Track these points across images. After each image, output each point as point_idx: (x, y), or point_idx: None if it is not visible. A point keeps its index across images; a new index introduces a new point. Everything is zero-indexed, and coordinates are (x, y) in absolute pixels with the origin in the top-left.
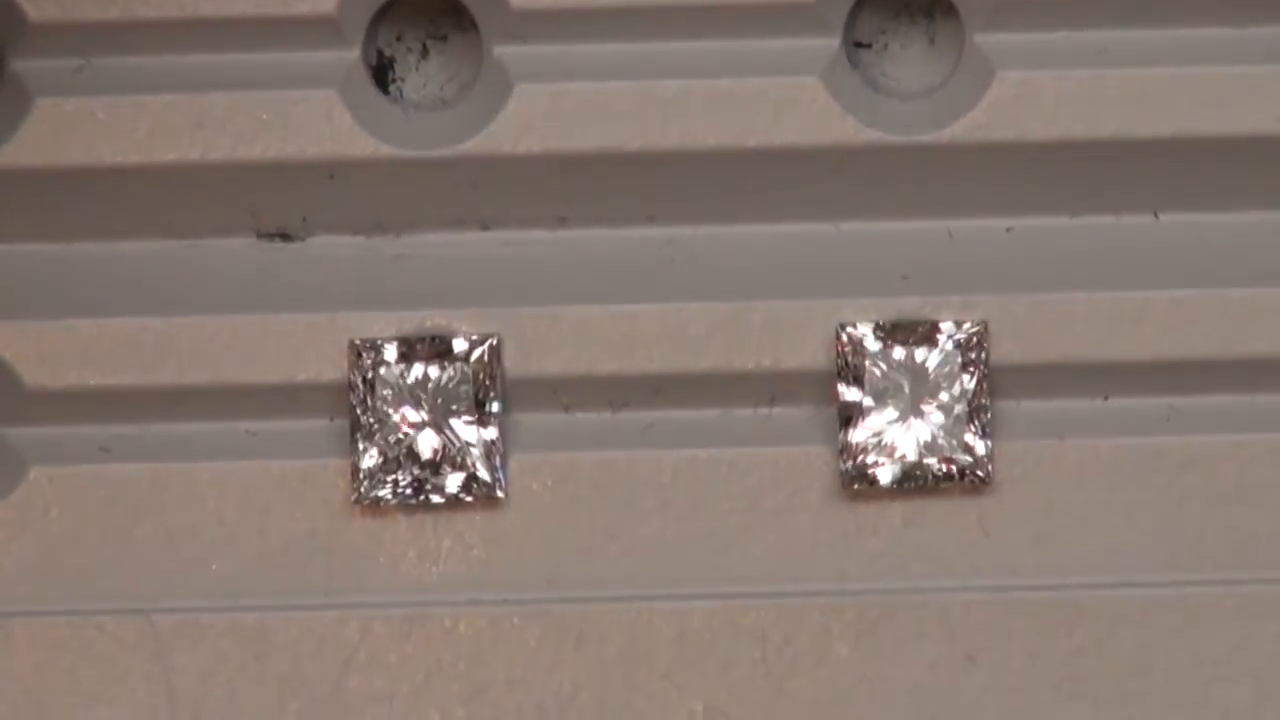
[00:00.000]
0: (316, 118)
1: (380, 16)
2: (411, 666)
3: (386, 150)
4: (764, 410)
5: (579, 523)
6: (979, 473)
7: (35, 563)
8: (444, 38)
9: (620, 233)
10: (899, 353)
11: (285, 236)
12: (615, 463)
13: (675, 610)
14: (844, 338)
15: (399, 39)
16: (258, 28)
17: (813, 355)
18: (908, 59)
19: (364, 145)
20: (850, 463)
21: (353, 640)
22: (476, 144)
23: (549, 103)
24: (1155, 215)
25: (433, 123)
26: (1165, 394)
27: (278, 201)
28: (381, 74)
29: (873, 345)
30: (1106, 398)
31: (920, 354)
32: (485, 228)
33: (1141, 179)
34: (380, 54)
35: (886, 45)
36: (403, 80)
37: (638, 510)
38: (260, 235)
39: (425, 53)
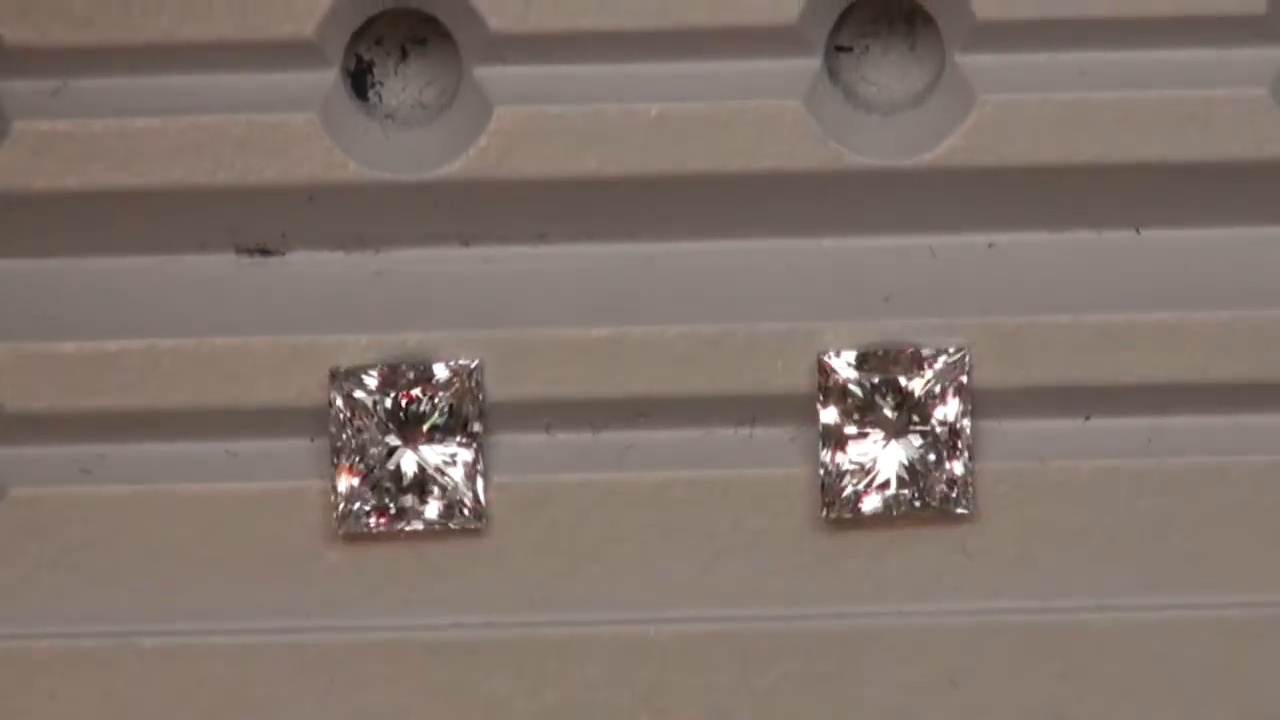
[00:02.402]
0: (296, 140)
1: (358, 42)
2: (393, 690)
3: (366, 174)
4: (745, 432)
5: (560, 545)
6: (960, 495)
7: (15, 585)
8: (423, 41)
9: (602, 253)
10: (880, 376)
11: (264, 252)
12: (596, 484)
13: (656, 632)
14: (825, 361)
15: (378, 43)
16: (236, 50)
17: (795, 377)
18: (888, 64)
19: (344, 169)
20: (832, 485)
21: (334, 663)
22: (457, 168)
23: (529, 126)
24: (1137, 231)
25: (412, 145)
26: (1147, 416)
27: (257, 224)
28: (360, 80)
29: (854, 369)
30: (1088, 419)
31: (902, 379)
32: (466, 244)
33: (1124, 202)
34: (359, 59)
35: (868, 48)
36: (381, 85)
37: (619, 532)
38: (239, 251)
39: (404, 56)
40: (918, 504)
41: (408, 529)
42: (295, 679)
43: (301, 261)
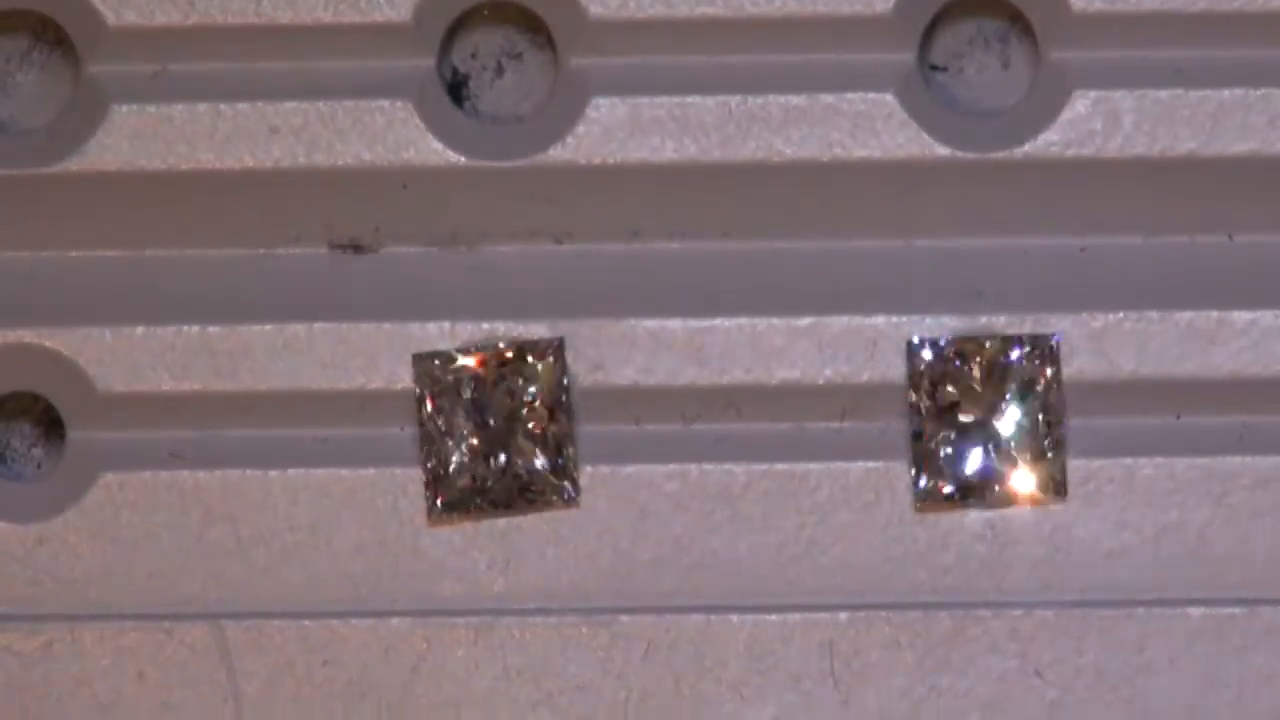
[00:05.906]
0: (391, 127)
1: (456, 29)
2: (479, 675)
3: (461, 161)
4: (836, 424)
5: (649, 534)
6: (1051, 489)
7: (105, 568)
8: (519, 56)
9: (694, 246)
10: (971, 368)
11: (358, 248)
12: (687, 475)
13: (744, 621)
14: (917, 353)
15: (474, 56)
16: (334, 36)
17: (885, 370)
18: (982, 83)
19: (438, 155)
20: (922, 477)
21: (420, 648)
22: (551, 155)
23: (625, 115)
24: (1230, 238)
25: (508, 134)
26: (1238, 413)
27: (351, 210)
28: (456, 90)
29: (944, 358)
30: (1179, 416)
31: (993, 370)
32: (559, 241)
33: (1217, 199)
34: (455, 71)
35: (962, 69)
36: (477, 97)
37: (708, 522)
38: (333, 246)
39: (500, 70)
40: (1007, 497)
41: (496, 516)
42: (381, 664)
43: (394, 256)
